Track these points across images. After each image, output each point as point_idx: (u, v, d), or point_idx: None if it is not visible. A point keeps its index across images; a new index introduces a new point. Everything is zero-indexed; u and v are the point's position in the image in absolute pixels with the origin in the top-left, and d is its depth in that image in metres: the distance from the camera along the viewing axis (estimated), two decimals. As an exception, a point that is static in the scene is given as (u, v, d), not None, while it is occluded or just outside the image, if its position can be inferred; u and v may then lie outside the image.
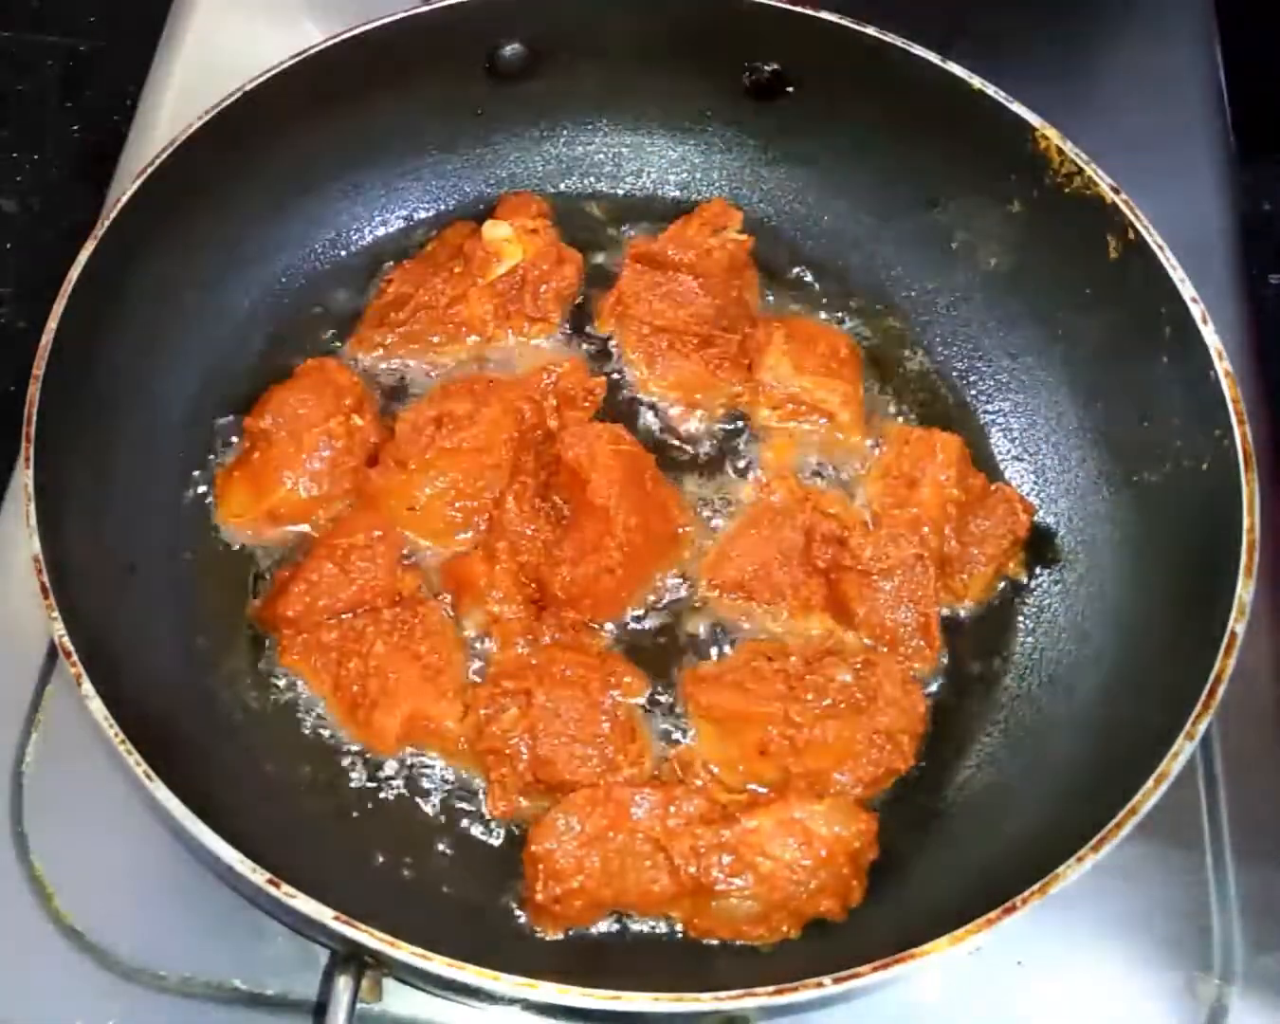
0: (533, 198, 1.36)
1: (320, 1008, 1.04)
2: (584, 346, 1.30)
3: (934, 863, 1.05)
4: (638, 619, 1.16)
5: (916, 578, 1.14)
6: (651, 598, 1.16)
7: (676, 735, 1.11)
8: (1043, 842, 0.97)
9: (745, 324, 1.28)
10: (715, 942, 1.01)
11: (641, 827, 1.01)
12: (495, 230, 1.30)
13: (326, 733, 1.11)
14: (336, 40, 1.24)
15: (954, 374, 1.31)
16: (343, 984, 0.91)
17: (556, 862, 1.00)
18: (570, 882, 0.99)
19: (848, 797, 1.05)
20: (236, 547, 1.19)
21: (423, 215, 1.39)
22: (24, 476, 1.00)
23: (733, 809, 1.02)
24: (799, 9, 1.27)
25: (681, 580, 1.17)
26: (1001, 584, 1.19)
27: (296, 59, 1.23)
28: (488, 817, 1.07)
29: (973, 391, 1.30)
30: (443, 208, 1.39)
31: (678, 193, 1.41)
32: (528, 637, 1.12)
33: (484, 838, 1.06)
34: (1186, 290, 1.10)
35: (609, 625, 1.15)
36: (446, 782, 1.09)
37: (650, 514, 1.15)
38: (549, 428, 1.21)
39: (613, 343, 1.30)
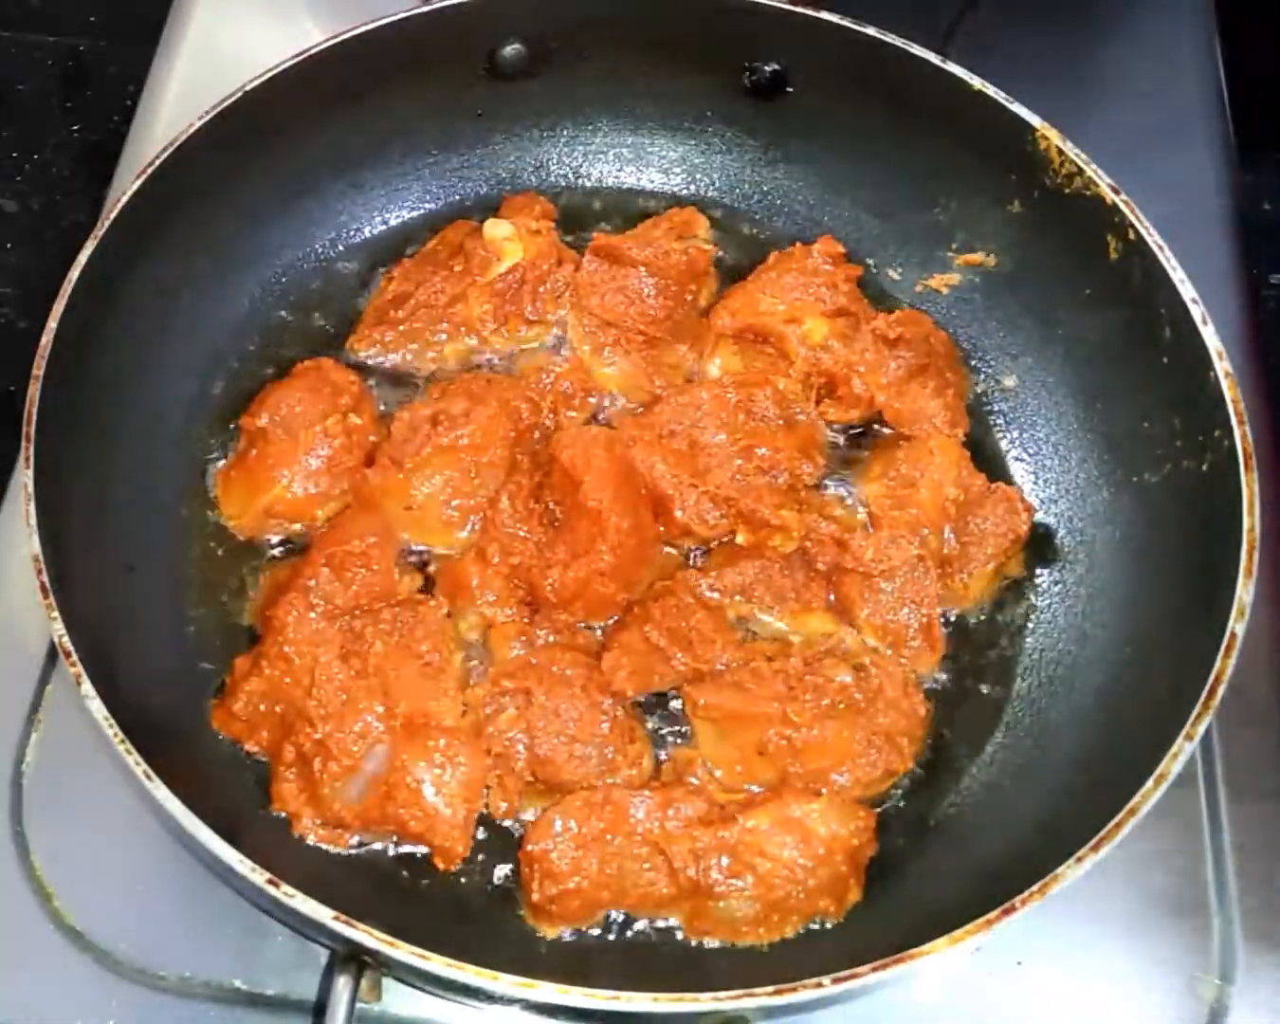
0: (537, 198, 1.36)
1: (320, 1008, 1.04)
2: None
3: (934, 863, 1.05)
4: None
5: (918, 579, 1.14)
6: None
7: (675, 736, 1.11)
8: (1043, 842, 0.97)
9: (693, 331, 1.29)
10: (715, 942, 1.01)
11: (640, 829, 1.01)
12: (496, 229, 1.30)
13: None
14: (336, 40, 1.24)
15: (954, 374, 1.31)
16: (342, 984, 0.91)
17: (552, 862, 1.00)
18: (566, 882, 0.99)
19: (845, 795, 1.05)
20: (236, 546, 1.19)
21: (422, 215, 1.39)
22: (24, 476, 1.00)
23: (731, 809, 1.02)
24: (799, 9, 1.27)
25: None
26: (1002, 583, 1.19)
27: (296, 59, 1.23)
28: (488, 816, 1.07)
29: (973, 392, 1.30)
30: (442, 207, 1.39)
31: (678, 193, 1.41)
32: (522, 639, 1.12)
33: (484, 837, 1.06)
34: (1186, 290, 1.10)
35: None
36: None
37: (643, 516, 1.15)
38: (546, 427, 1.22)
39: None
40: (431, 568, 1.17)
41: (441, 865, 1.03)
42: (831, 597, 1.16)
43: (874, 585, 1.14)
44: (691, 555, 1.19)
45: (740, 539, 1.17)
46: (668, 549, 1.19)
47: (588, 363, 1.27)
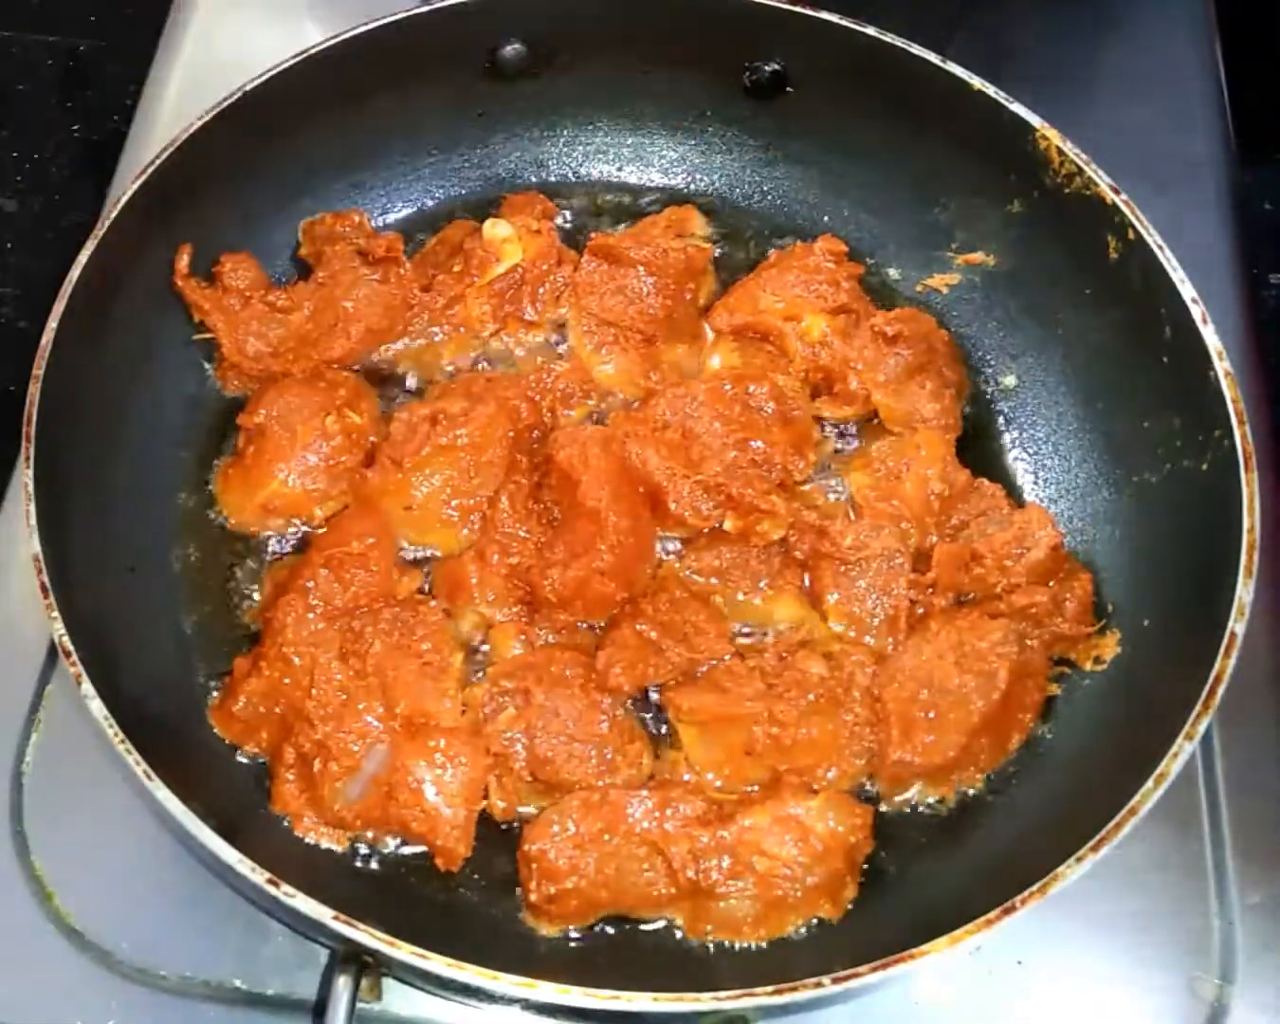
0: (538, 198, 1.35)
1: (320, 1008, 1.04)
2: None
3: (934, 863, 1.05)
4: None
5: (892, 570, 1.14)
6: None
7: (670, 739, 1.10)
8: (1043, 842, 0.97)
9: (692, 329, 1.29)
10: (715, 942, 1.01)
11: (638, 829, 1.01)
12: (495, 230, 1.30)
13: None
14: (336, 40, 1.24)
15: (954, 374, 1.31)
16: (342, 984, 0.91)
17: (550, 861, 1.00)
18: (564, 882, 0.99)
19: (839, 789, 1.05)
20: (237, 546, 1.19)
21: (422, 215, 1.39)
22: (24, 476, 1.00)
23: (729, 808, 1.02)
24: (799, 9, 1.27)
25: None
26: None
27: (296, 59, 1.23)
28: (488, 815, 1.07)
29: (973, 392, 1.30)
30: (442, 207, 1.39)
31: (678, 192, 1.41)
32: (521, 638, 1.12)
33: (484, 837, 1.06)
34: (1186, 290, 1.10)
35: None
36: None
37: (641, 514, 1.15)
38: (545, 427, 1.22)
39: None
40: (430, 568, 1.17)
41: (443, 866, 1.03)
42: (807, 581, 1.16)
43: (847, 572, 1.14)
44: (678, 544, 1.19)
45: (728, 525, 1.17)
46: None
47: (587, 362, 1.27)
